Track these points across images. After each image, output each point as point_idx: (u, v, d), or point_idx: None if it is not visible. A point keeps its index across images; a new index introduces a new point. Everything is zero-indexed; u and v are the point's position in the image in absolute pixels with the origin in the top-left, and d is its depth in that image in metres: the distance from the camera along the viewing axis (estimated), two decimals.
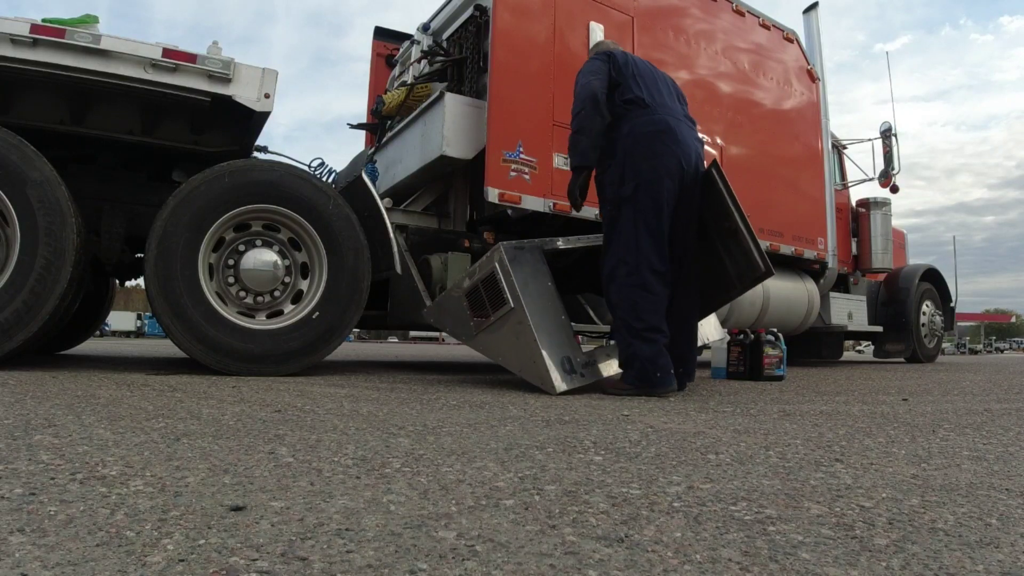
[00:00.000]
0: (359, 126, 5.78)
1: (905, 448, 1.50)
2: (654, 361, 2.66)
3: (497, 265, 2.81)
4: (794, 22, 6.45)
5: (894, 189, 7.09)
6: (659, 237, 2.77)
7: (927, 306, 7.83)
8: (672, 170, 2.80)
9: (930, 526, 0.86)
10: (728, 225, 2.89)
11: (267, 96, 3.32)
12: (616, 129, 2.84)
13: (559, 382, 2.62)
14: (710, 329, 3.49)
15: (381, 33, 6.12)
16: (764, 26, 5.86)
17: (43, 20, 3.06)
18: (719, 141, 5.34)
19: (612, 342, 3.05)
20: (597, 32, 4.53)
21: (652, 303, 2.72)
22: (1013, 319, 76.32)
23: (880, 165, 7.08)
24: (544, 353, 2.65)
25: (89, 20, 3.12)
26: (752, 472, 1.18)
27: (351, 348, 13.67)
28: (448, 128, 4.02)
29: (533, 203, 4.09)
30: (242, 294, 3.28)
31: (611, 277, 2.81)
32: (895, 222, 7.55)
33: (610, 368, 2.91)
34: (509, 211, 4.10)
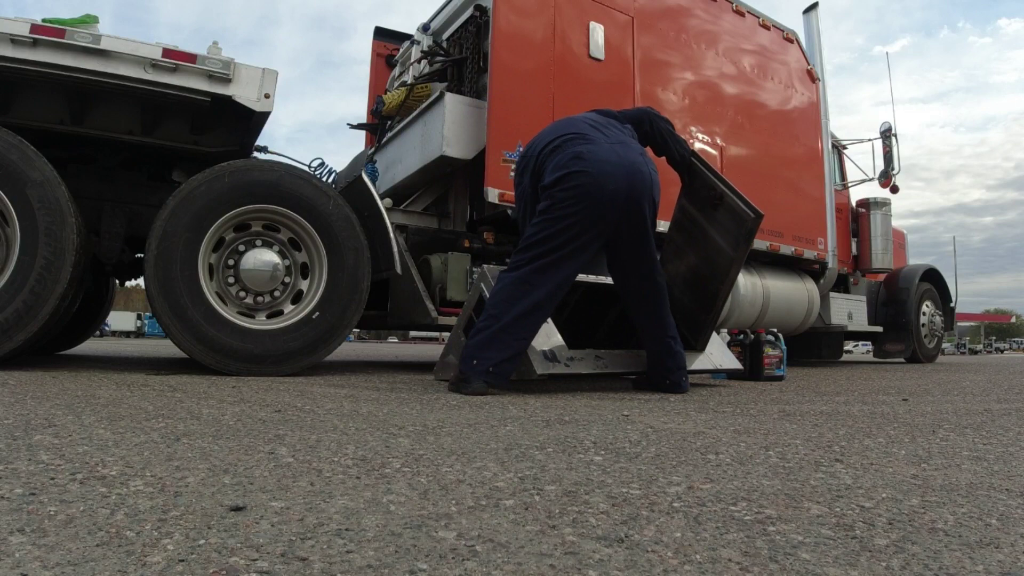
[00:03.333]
0: (359, 126, 5.78)
1: (905, 448, 1.49)
2: None
3: (483, 285, 2.97)
4: (794, 22, 6.46)
5: (894, 189, 7.09)
6: None
7: (927, 306, 7.83)
8: None
9: (930, 526, 0.85)
10: (713, 194, 3.04)
11: (267, 96, 3.32)
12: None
13: (538, 367, 2.69)
14: (720, 356, 3.46)
15: (381, 33, 6.12)
16: (764, 26, 5.86)
17: (43, 20, 3.06)
18: (719, 141, 5.34)
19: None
20: (597, 32, 4.53)
21: None
22: (1013, 319, 76.34)
23: (880, 165, 7.09)
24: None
25: (89, 20, 3.12)
26: (752, 472, 1.18)
27: (351, 348, 13.67)
28: (448, 128, 4.02)
29: None
30: (242, 294, 3.28)
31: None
32: (895, 223, 7.55)
33: (603, 365, 2.92)
34: (509, 211, 4.10)
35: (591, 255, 2.79)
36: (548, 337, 2.86)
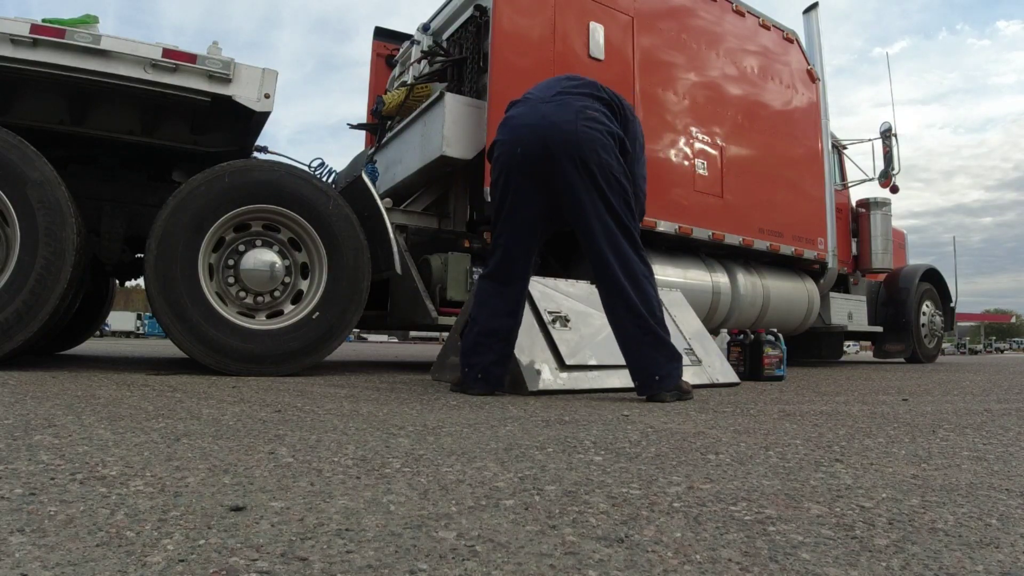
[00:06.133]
0: (359, 126, 5.78)
1: (905, 448, 1.49)
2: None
3: None
4: (794, 23, 6.46)
5: (894, 189, 7.09)
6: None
7: (927, 306, 7.83)
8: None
9: (930, 526, 0.85)
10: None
11: (267, 96, 3.32)
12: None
13: (531, 383, 2.64)
14: (719, 370, 3.43)
15: (381, 33, 6.12)
16: (764, 26, 5.86)
17: (43, 20, 3.06)
18: (720, 141, 5.34)
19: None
20: (597, 32, 4.53)
21: None
22: (1013, 319, 76.39)
23: (880, 165, 7.09)
24: (517, 358, 2.68)
25: (89, 20, 3.12)
26: (752, 472, 1.18)
27: (351, 348, 13.67)
28: (448, 128, 4.02)
29: None
30: (242, 294, 3.28)
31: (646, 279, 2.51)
32: (894, 223, 7.55)
33: (597, 381, 2.86)
34: None
35: (536, 227, 2.55)
36: (543, 351, 2.81)
